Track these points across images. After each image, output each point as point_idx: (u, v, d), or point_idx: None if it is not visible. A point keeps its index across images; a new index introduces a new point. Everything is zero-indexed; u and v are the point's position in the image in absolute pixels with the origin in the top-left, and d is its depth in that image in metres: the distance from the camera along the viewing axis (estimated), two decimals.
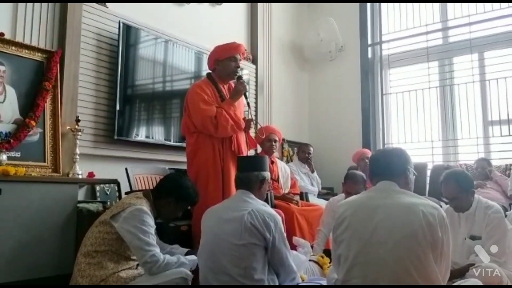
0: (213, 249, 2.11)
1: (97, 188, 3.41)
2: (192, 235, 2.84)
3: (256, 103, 5.00)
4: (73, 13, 3.27)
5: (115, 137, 3.46)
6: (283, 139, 5.07)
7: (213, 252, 2.10)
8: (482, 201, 2.49)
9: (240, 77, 3.07)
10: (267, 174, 2.35)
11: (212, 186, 2.83)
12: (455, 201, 2.49)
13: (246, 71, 4.83)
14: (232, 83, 3.14)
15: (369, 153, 4.54)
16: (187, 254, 2.41)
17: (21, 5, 3.04)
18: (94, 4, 3.47)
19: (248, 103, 3.16)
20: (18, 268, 2.52)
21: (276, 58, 5.42)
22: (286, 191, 3.98)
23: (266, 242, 2.07)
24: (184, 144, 3.20)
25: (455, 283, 1.98)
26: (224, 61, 3.04)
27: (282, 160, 4.82)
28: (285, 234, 2.19)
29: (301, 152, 4.92)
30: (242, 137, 3.07)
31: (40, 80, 3.01)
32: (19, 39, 2.99)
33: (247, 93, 3.12)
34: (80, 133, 3.11)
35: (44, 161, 2.98)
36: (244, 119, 3.06)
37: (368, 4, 5.57)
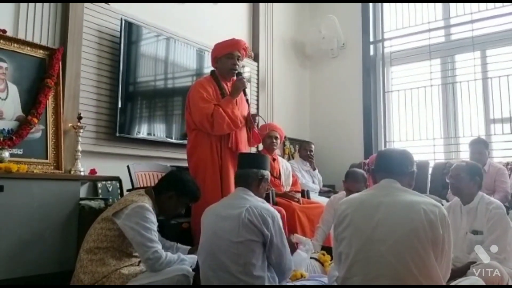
0: (212, 247, 2.12)
1: (99, 185, 3.42)
2: (192, 232, 2.85)
3: (257, 100, 5.01)
4: (75, 10, 3.27)
5: (117, 134, 3.47)
6: (285, 137, 5.07)
7: (212, 250, 2.11)
8: (485, 197, 2.51)
9: (239, 74, 3.06)
10: (266, 173, 2.35)
11: (210, 184, 2.84)
12: (456, 181, 2.52)
13: (247, 68, 4.83)
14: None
15: None
16: (189, 252, 2.42)
17: (23, 3, 3.04)
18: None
19: (247, 100, 3.15)
20: (20, 264, 2.53)
21: (277, 55, 5.41)
22: (288, 189, 3.98)
23: (264, 238, 2.07)
24: (185, 142, 3.21)
25: (456, 281, 1.98)
26: (222, 58, 3.05)
27: (283, 157, 4.82)
28: (283, 231, 2.19)
29: (302, 149, 4.92)
30: (242, 135, 3.06)
31: (42, 77, 3.02)
32: (21, 36, 3.00)
33: (246, 90, 3.12)
34: (82, 130, 3.12)
35: (46, 158, 2.99)
36: (248, 115, 3.06)
37: (370, 2, 5.55)
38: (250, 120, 3.10)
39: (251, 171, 2.30)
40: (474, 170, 2.53)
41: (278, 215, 2.18)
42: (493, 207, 2.42)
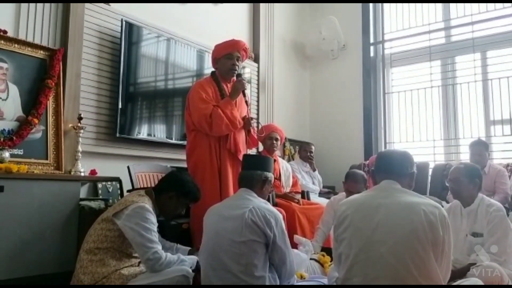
0: (214, 247, 2.12)
1: (99, 185, 3.42)
2: (191, 233, 2.85)
3: (258, 101, 5.01)
4: (75, 11, 3.27)
5: (117, 135, 3.47)
6: (285, 138, 5.06)
7: (214, 250, 2.12)
8: (485, 199, 2.51)
9: (239, 75, 3.07)
10: (270, 175, 2.35)
11: (208, 184, 2.83)
12: (456, 184, 2.51)
13: (248, 69, 4.83)
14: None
15: None
16: (189, 253, 2.42)
17: (24, 3, 3.04)
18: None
19: (246, 101, 3.15)
20: (20, 265, 2.53)
21: (278, 56, 5.42)
22: (288, 190, 3.98)
23: (267, 239, 2.08)
24: (185, 142, 3.22)
25: (456, 282, 1.98)
26: (221, 59, 3.05)
27: (283, 158, 4.83)
28: (286, 232, 2.20)
29: (302, 150, 4.92)
30: (240, 136, 3.05)
31: (43, 78, 3.02)
32: (22, 37, 3.00)
33: (246, 91, 3.11)
34: (82, 131, 3.12)
35: (47, 159, 2.99)
36: (244, 118, 3.06)
37: (371, 3, 5.56)
38: (248, 123, 3.08)
39: (256, 173, 2.31)
40: (473, 172, 2.52)
41: (281, 216, 2.19)
42: (494, 209, 2.41)
